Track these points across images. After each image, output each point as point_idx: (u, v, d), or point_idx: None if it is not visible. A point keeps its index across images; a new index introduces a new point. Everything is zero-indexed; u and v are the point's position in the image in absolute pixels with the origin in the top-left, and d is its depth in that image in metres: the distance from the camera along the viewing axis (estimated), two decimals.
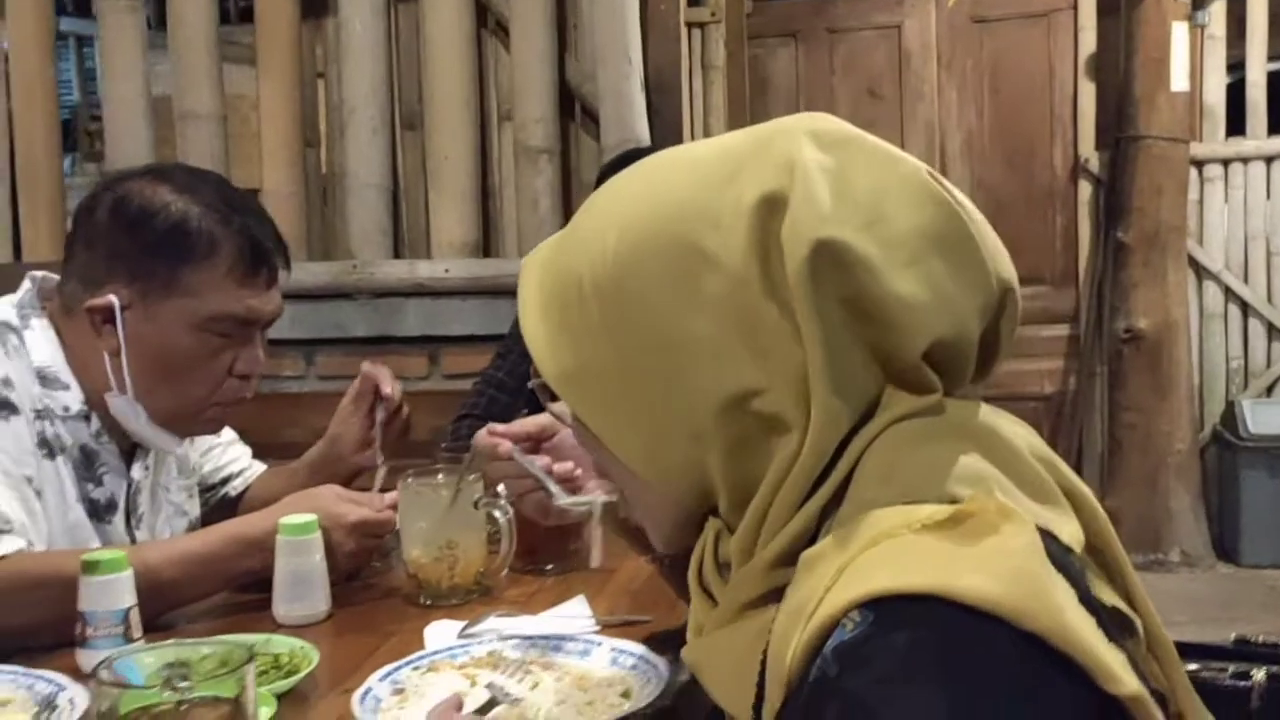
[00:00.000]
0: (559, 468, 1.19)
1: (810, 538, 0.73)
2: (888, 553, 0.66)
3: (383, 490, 1.59)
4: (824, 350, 0.71)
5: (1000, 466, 0.72)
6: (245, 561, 1.38)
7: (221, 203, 1.46)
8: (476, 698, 0.98)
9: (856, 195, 0.74)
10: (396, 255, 2.99)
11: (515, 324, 2.12)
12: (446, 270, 2.82)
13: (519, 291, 0.83)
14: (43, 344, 1.46)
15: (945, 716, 0.60)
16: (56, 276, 1.53)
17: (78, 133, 5.53)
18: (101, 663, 0.80)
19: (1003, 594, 0.62)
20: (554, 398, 0.85)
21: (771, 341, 0.73)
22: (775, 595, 0.73)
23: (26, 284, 1.51)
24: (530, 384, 0.86)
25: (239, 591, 1.49)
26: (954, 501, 0.68)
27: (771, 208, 0.73)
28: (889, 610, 0.64)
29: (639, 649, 1.09)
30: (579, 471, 1.18)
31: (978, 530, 0.66)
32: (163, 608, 1.32)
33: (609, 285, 0.77)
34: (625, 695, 1.01)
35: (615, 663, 1.08)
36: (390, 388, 1.64)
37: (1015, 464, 0.73)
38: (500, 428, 1.20)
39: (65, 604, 1.26)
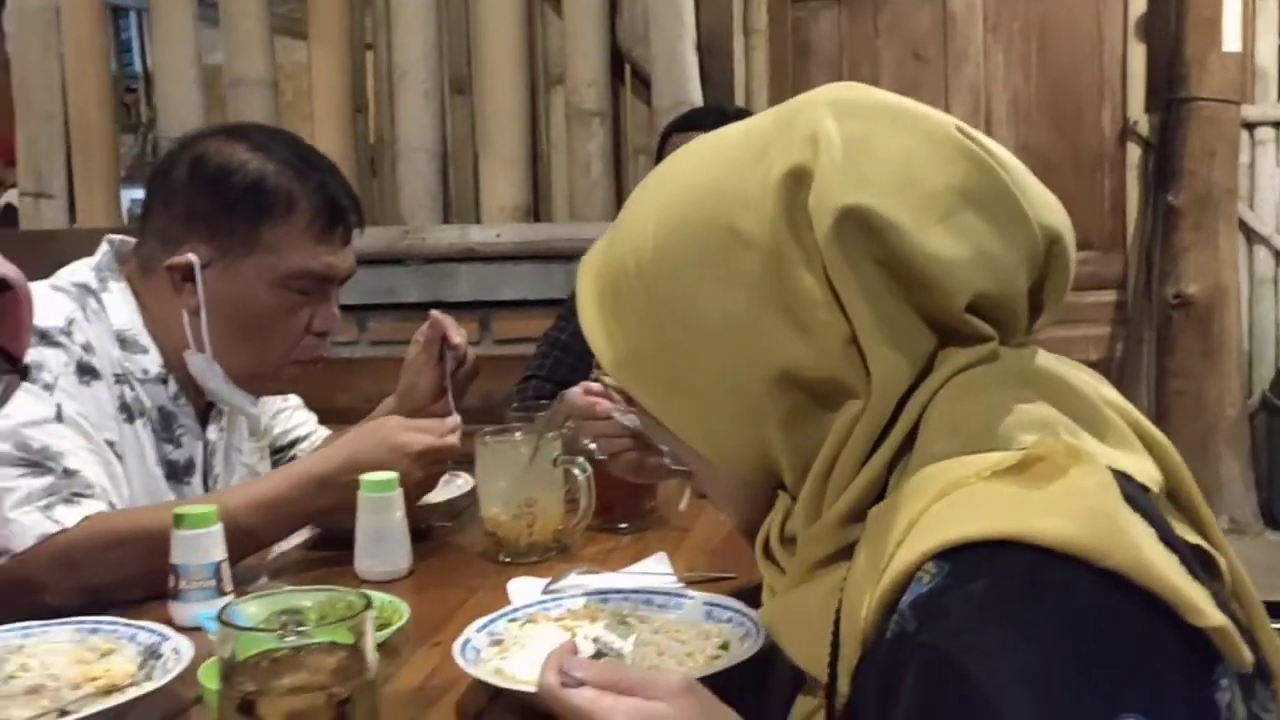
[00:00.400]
0: None
1: (878, 494, 0.73)
2: (959, 502, 0.66)
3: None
4: (870, 310, 0.72)
5: (1067, 412, 0.72)
6: (317, 500, 1.38)
7: (298, 159, 1.46)
8: (581, 651, 0.98)
9: (881, 160, 0.75)
10: (446, 221, 2.98)
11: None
12: (498, 235, 2.81)
13: (577, 294, 0.87)
14: (121, 307, 1.47)
15: (1033, 660, 0.60)
16: (133, 239, 1.54)
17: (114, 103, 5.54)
18: (223, 609, 0.81)
19: (1078, 533, 0.62)
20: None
21: (811, 313, 0.74)
22: (845, 553, 0.73)
23: (104, 247, 1.52)
24: (593, 374, 0.88)
25: (320, 547, 1.50)
26: (1021, 448, 0.67)
27: (798, 180, 0.75)
28: (965, 559, 0.63)
29: (733, 603, 1.08)
30: None
31: (1048, 473, 0.66)
32: (241, 554, 1.32)
33: (651, 271, 0.79)
34: (723, 648, 1.01)
35: (710, 616, 1.08)
36: (458, 337, 1.63)
37: (1083, 409, 0.73)
38: (598, 386, 1.19)
39: (150, 559, 1.27)
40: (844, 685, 0.70)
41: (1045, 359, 0.78)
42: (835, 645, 0.71)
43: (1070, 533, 0.62)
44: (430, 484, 1.47)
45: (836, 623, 0.71)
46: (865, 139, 0.75)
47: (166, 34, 2.90)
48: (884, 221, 0.72)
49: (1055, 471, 0.66)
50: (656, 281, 0.79)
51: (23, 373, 1.01)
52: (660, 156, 2.02)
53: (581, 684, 0.76)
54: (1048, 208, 0.78)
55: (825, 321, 0.74)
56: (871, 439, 0.73)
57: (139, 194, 3.66)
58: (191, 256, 1.43)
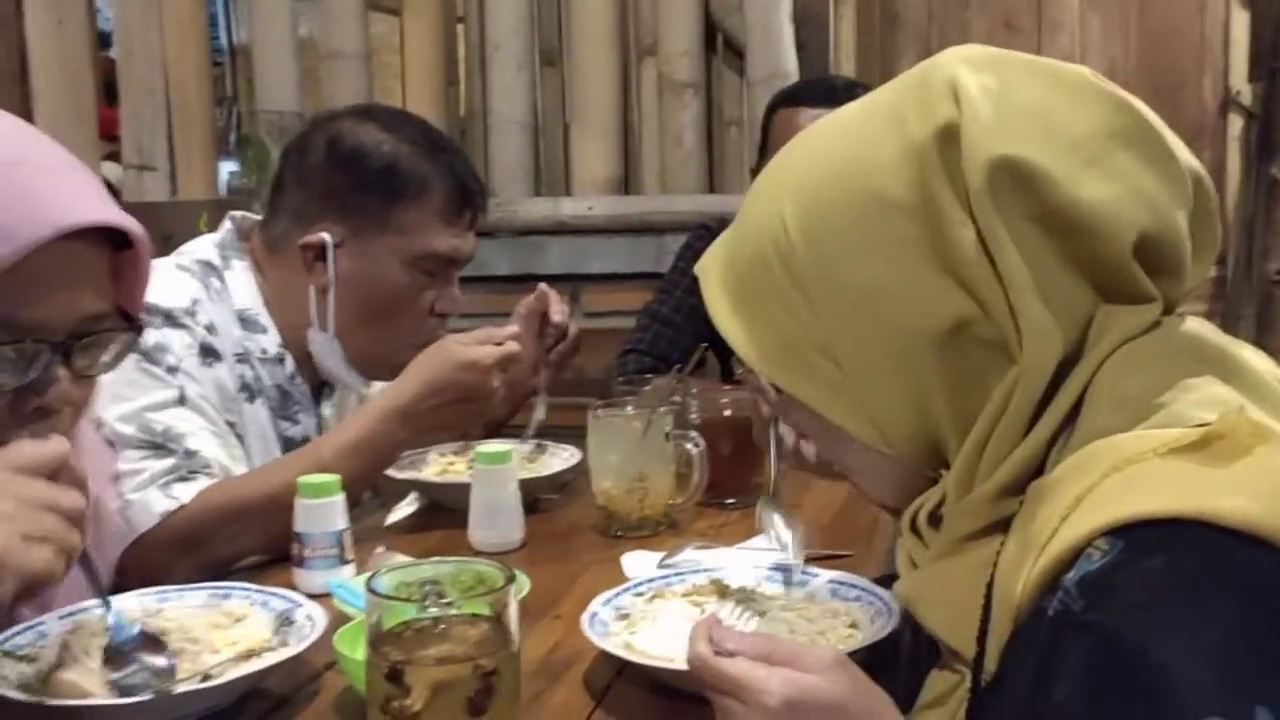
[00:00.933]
0: None
1: (1038, 468, 0.72)
2: (1135, 478, 0.64)
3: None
4: (1023, 268, 0.70)
5: (1243, 390, 0.70)
6: (400, 434, 1.39)
7: (427, 141, 1.48)
8: None
9: (1024, 109, 0.73)
10: (536, 193, 2.98)
11: (678, 259, 2.10)
12: (589, 208, 2.81)
13: (706, 299, 0.84)
14: (243, 286, 1.49)
15: (1214, 639, 0.58)
16: (255, 216, 1.56)
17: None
18: (371, 576, 0.81)
19: (1265, 513, 0.60)
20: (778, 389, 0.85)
21: (972, 271, 0.72)
22: (998, 527, 0.72)
23: (227, 224, 1.54)
24: (737, 374, 0.88)
25: (431, 516, 1.52)
26: (1199, 425, 0.65)
27: (945, 137, 0.73)
28: (1141, 536, 0.62)
29: (859, 580, 1.07)
30: None
31: (1231, 451, 0.64)
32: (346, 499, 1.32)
33: (796, 256, 0.78)
34: (853, 627, 1.00)
35: (836, 594, 1.07)
36: (559, 314, 1.64)
37: (1259, 387, 0.71)
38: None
39: (266, 525, 1.30)
40: (992, 663, 0.69)
41: (1211, 332, 0.76)
42: (985, 621, 0.70)
43: (1255, 513, 0.60)
44: (515, 399, 1.46)
45: (988, 598, 0.70)
46: (1004, 91, 0.74)
47: (263, 7, 2.92)
48: (1036, 171, 0.71)
49: (1239, 450, 0.64)
50: (805, 264, 0.77)
51: (138, 330, 1.02)
52: (766, 131, 1.99)
53: (734, 655, 0.76)
54: (1184, 148, 0.77)
55: (984, 279, 0.72)
56: (1031, 406, 0.72)
57: (232, 167, 3.72)
58: (325, 236, 1.44)
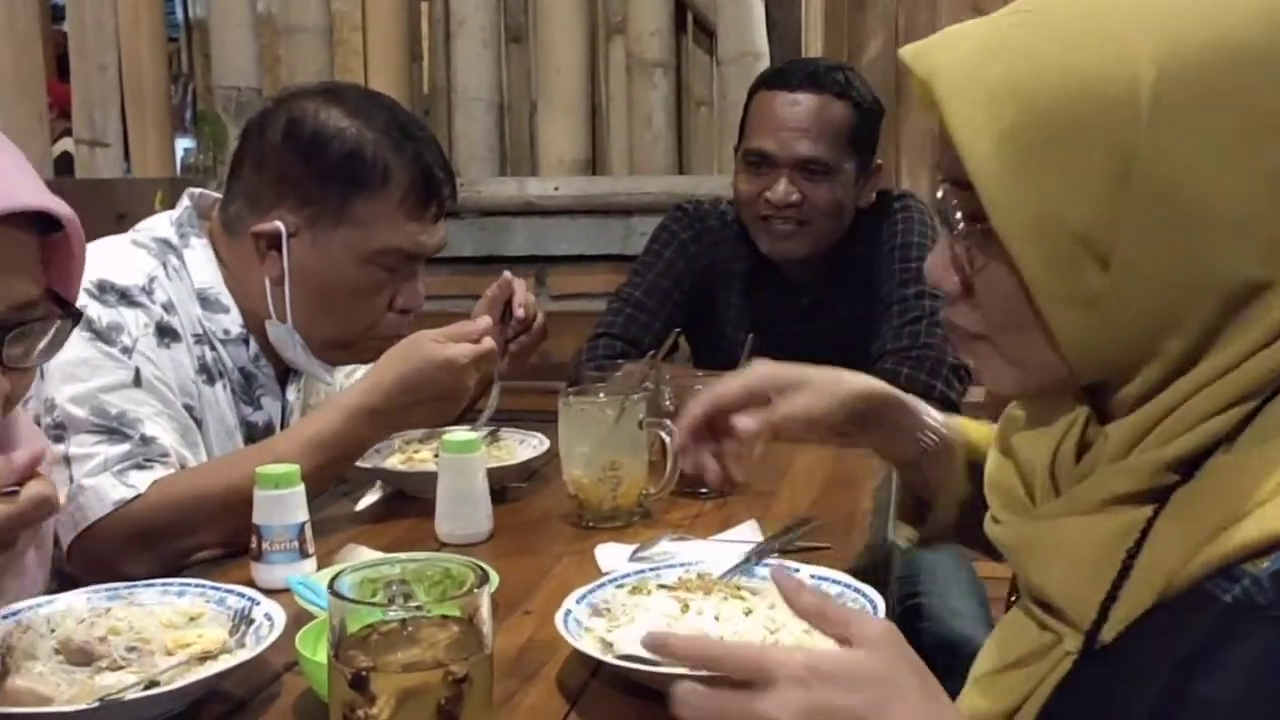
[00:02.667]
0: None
1: (1215, 443, 0.67)
2: None
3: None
4: None
5: None
6: (370, 433, 1.34)
7: (395, 129, 1.40)
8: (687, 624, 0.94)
9: None
10: (502, 173, 2.93)
11: (652, 241, 2.05)
12: (555, 188, 2.76)
13: (943, 102, 0.68)
14: (203, 264, 1.42)
15: None
16: (215, 194, 1.49)
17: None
18: (334, 576, 0.77)
19: None
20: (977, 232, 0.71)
21: None
22: (1154, 496, 0.67)
23: (185, 201, 1.48)
24: (950, 214, 0.73)
25: (396, 506, 1.47)
26: None
27: None
28: None
29: (841, 576, 1.04)
30: None
31: None
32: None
33: (1137, 134, 0.64)
34: None
35: (818, 589, 1.03)
36: (521, 309, 1.59)
37: None
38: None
39: (223, 517, 1.25)
40: (1111, 632, 0.67)
41: None
42: (1115, 588, 0.66)
43: None
44: (481, 387, 1.43)
45: (1125, 566, 0.66)
46: None
47: None
48: None
49: None
50: (1144, 148, 0.64)
51: (75, 317, 0.97)
52: (746, 112, 1.95)
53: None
54: None
55: None
56: (1243, 392, 0.65)
57: (188, 143, 3.62)
58: (279, 224, 1.38)
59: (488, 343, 1.36)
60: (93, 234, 1.46)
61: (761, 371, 1.10)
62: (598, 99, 2.89)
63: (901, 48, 0.72)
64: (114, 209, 2.31)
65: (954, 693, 0.72)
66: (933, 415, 1.12)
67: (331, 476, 1.39)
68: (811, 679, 0.64)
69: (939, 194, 0.75)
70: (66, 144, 2.87)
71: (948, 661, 1.78)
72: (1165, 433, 0.68)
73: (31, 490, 0.84)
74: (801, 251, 1.93)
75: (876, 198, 1.99)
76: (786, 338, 1.96)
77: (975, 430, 1.13)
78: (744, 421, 1.06)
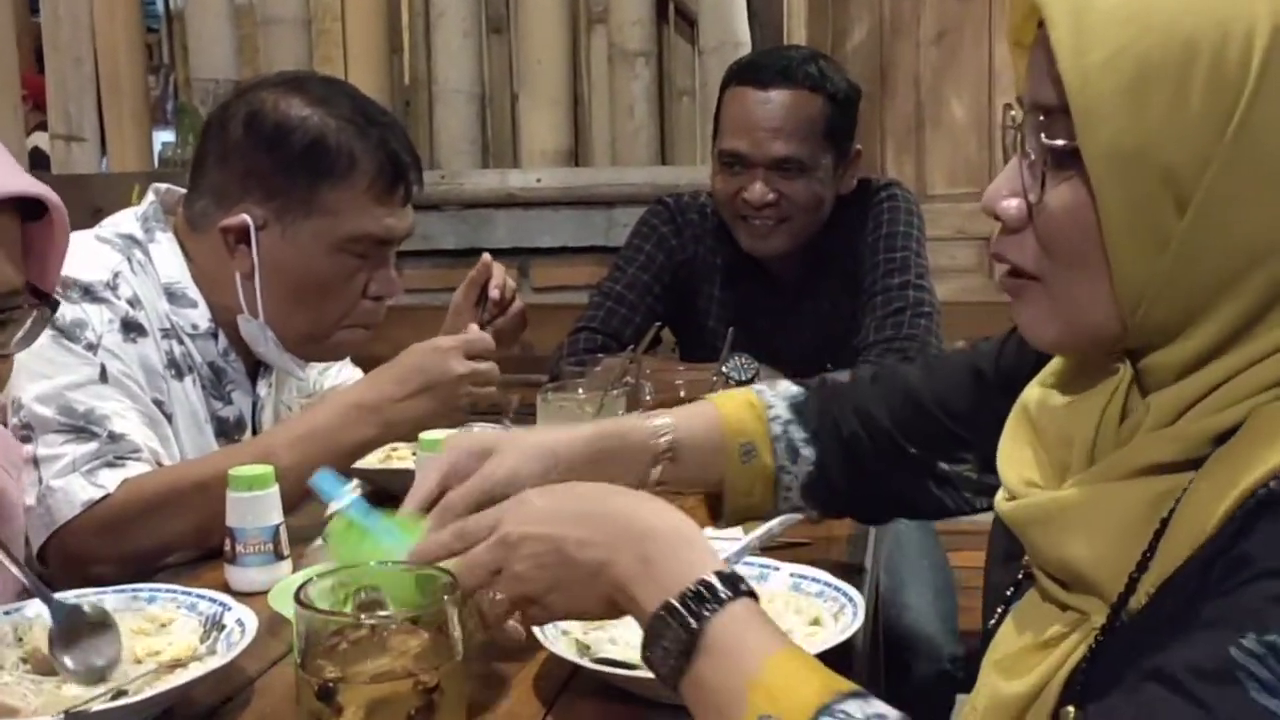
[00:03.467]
0: None
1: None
2: None
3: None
4: None
5: None
6: (362, 430, 1.32)
7: (358, 115, 1.38)
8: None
9: None
10: (484, 165, 2.91)
11: (633, 235, 2.04)
12: (537, 180, 2.74)
13: (1055, 23, 0.67)
14: (169, 259, 1.40)
15: None
16: (180, 189, 1.47)
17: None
18: (301, 585, 0.75)
19: None
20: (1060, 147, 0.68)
21: None
22: (1193, 465, 0.66)
23: (150, 196, 1.46)
24: (1031, 139, 0.71)
25: (377, 505, 1.45)
26: None
27: None
28: None
29: (822, 574, 1.03)
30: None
31: None
32: (288, 493, 1.22)
33: (1248, 80, 0.63)
34: (815, 623, 0.96)
35: (797, 588, 1.02)
36: (495, 290, 1.57)
37: None
38: None
39: (194, 516, 1.24)
40: (1140, 600, 0.66)
41: None
42: (1147, 557, 0.66)
43: None
44: (483, 400, 1.40)
45: (1157, 535, 0.65)
46: None
47: None
48: None
49: None
50: (1248, 99, 0.63)
51: (53, 307, 0.95)
52: (719, 107, 1.93)
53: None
54: None
55: None
56: None
57: (168, 136, 3.60)
58: (246, 218, 1.36)
59: (474, 330, 1.36)
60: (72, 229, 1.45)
61: (461, 443, 1.02)
62: (579, 89, 2.87)
63: None
64: (90, 204, 2.28)
65: (891, 692, 0.71)
66: (661, 417, 1.08)
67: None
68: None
69: (1012, 117, 0.73)
70: (39, 139, 2.84)
71: (891, 655, 1.78)
72: (1213, 404, 0.66)
73: None
74: (782, 248, 1.91)
75: (858, 185, 1.98)
76: (768, 330, 1.95)
77: (735, 410, 1.10)
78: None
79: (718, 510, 1.13)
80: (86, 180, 2.68)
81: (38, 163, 2.99)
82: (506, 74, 2.94)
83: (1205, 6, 0.64)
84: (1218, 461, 0.65)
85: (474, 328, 1.42)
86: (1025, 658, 0.73)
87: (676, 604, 0.72)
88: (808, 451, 1.10)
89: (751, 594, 0.73)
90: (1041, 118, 0.70)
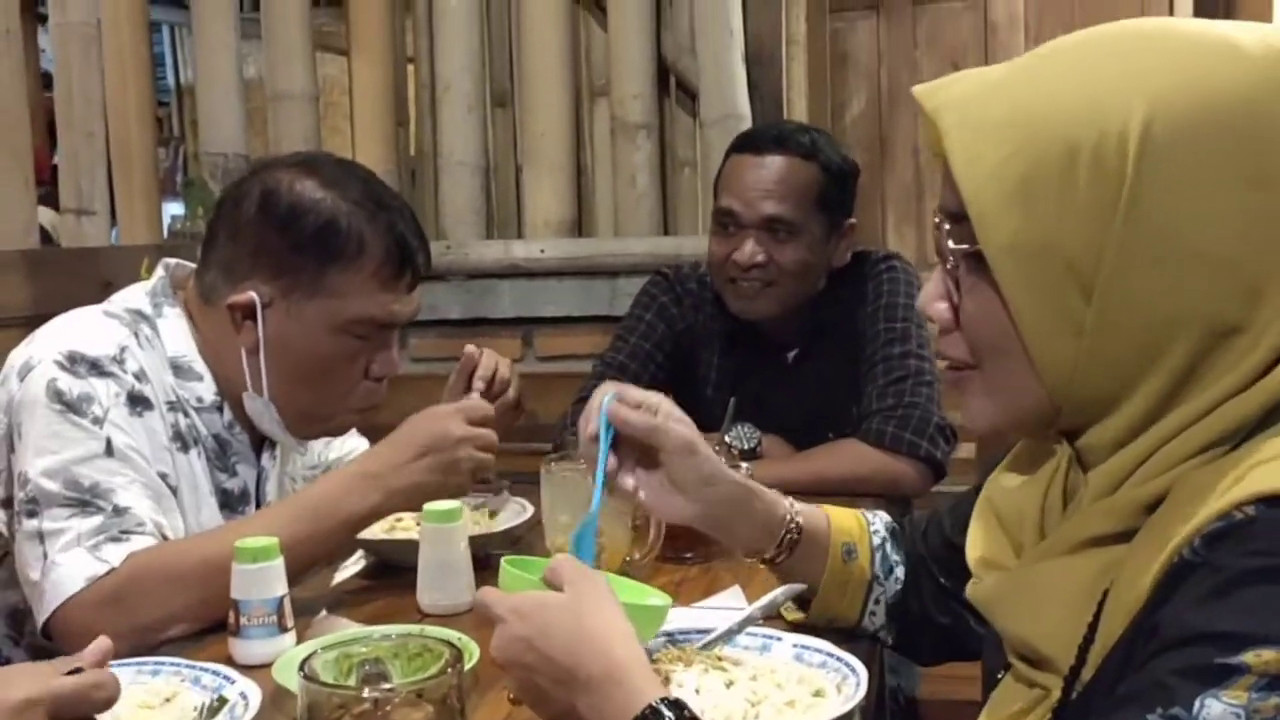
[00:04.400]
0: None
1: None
2: None
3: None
4: None
5: None
6: (366, 499, 1.32)
7: (369, 200, 1.40)
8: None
9: None
10: (488, 236, 2.94)
11: (635, 305, 2.07)
12: (541, 250, 2.77)
13: (947, 133, 0.72)
14: (176, 333, 1.43)
15: None
16: (190, 264, 1.50)
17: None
18: (305, 658, 0.76)
19: None
20: (968, 253, 0.73)
21: None
22: (1128, 536, 0.69)
23: (160, 271, 1.48)
24: (944, 244, 0.75)
25: (377, 577, 1.46)
26: None
27: None
28: None
29: (824, 645, 1.03)
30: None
31: None
32: (297, 567, 1.26)
33: (1127, 170, 0.67)
34: (818, 694, 0.96)
35: (800, 659, 1.02)
36: (480, 382, 1.57)
37: None
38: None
39: (199, 591, 1.24)
40: (1089, 672, 0.68)
41: None
42: (1093, 629, 0.68)
43: None
44: (482, 468, 1.41)
45: (1100, 606, 0.68)
46: None
47: (208, 47, 2.87)
48: None
49: None
50: (1133, 183, 0.67)
51: None
52: (719, 176, 1.98)
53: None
54: None
55: None
56: (1230, 436, 0.68)
57: (177, 209, 3.64)
58: (253, 295, 1.38)
59: (474, 396, 1.40)
60: (79, 302, 1.48)
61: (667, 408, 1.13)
62: (582, 161, 2.92)
63: (914, 87, 0.78)
64: (100, 276, 2.31)
65: None
66: (792, 503, 1.16)
67: (328, 548, 1.36)
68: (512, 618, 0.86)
69: (934, 222, 0.77)
70: (41, 216, 2.87)
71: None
72: (1142, 475, 0.70)
73: (93, 674, 0.83)
74: (769, 311, 1.93)
75: (856, 258, 2.01)
76: (769, 398, 1.97)
77: (841, 516, 1.18)
78: (624, 411, 1.10)
79: (801, 606, 1.17)
80: (96, 253, 2.71)
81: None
82: (511, 146, 2.99)
83: (1083, 109, 0.69)
84: (1147, 530, 0.67)
85: (474, 394, 1.43)
86: None
87: None
88: (899, 571, 1.16)
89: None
90: (948, 225, 0.74)
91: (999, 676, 0.81)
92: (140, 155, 2.87)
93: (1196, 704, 0.58)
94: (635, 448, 1.10)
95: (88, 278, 2.39)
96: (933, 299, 0.78)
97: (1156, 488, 0.68)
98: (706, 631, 1.07)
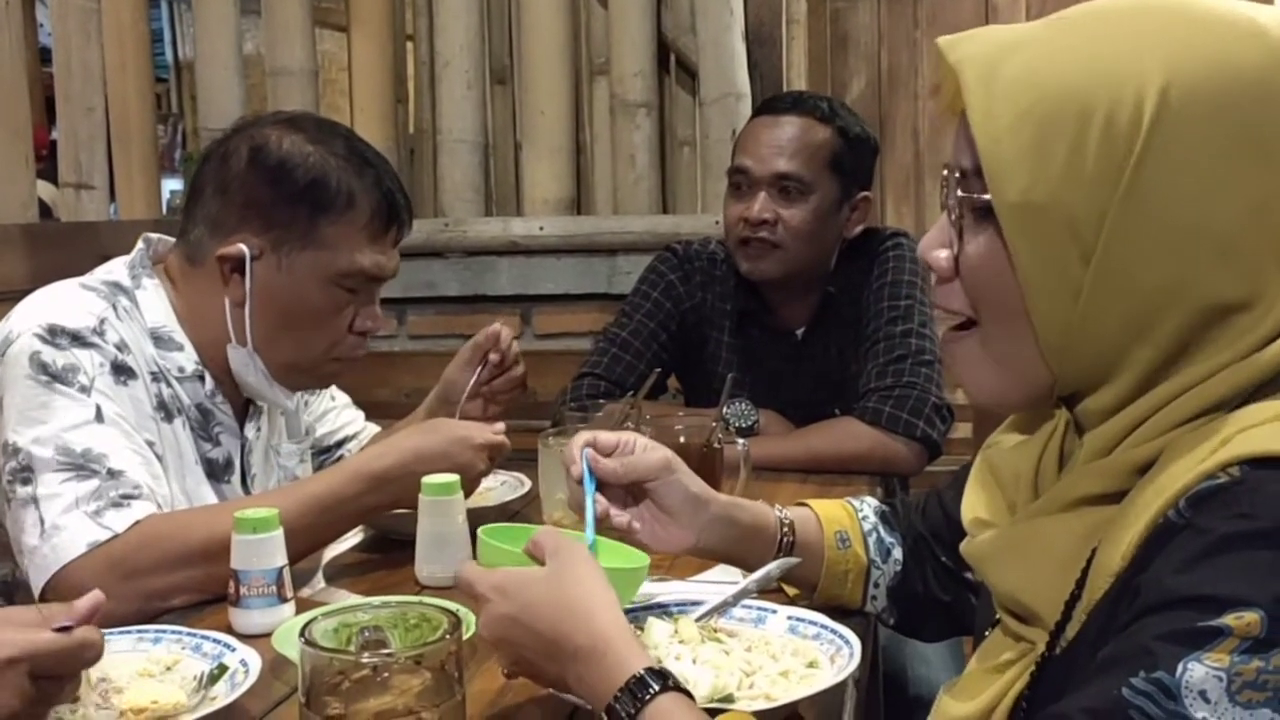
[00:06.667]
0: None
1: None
2: None
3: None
4: None
5: None
6: (371, 498, 1.34)
7: (355, 155, 1.43)
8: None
9: None
10: (487, 213, 2.95)
11: (640, 282, 2.06)
12: (540, 228, 2.77)
13: (967, 86, 0.72)
14: (155, 304, 1.43)
15: None
16: (170, 239, 1.50)
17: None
18: (305, 623, 0.77)
19: None
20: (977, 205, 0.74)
21: None
22: (1118, 497, 0.70)
23: (140, 245, 1.49)
24: (952, 196, 0.76)
25: (375, 549, 1.47)
26: None
27: None
28: (1271, 467, 0.62)
29: (818, 617, 1.04)
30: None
31: None
32: (294, 555, 1.26)
33: (1139, 138, 0.68)
34: (812, 665, 0.97)
35: (794, 631, 1.03)
36: (495, 355, 1.61)
37: None
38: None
39: (205, 564, 1.24)
40: (1073, 629, 0.69)
41: None
42: (1079, 587, 0.69)
43: None
44: (483, 478, 1.44)
45: (1088, 565, 0.69)
46: None
47: (208, 22, 2.86)
48: None
49: None
50: (1143, 153, 0.67)
51: None
52: (737, 141, 1.99)
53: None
54: None
55: None
56: (1223, 403, 0.69)
57: (175, 184, 3.62)
58: (242, 247, 1.39)
59: (503, 437, 1.40)
60: (79, 276, 1.48)
61: (639, 438, 1.14)
62: (582, 139, 2.91)
63: (939, 38, 0.77)
64: (100, 250, 2.31)
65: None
66: (782, 510, 1.17)
67: (327, 538, 1.38)
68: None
69: (943, 175, 0.78)
70: (41, 188, 2.86)
71: (895, 697, 1.78)
72: (1136, 439, 0.71)
73: (82, 632, 0.81)
74: (775, 273, 1.93)
75: (867, 235, 2.00)
76: (775, 377, 1.97)
77: (827, 508, 1.19)
78: (604, 462, 1.10)
79: (806, 592, 1.18)
80: (96, 228, 2.71)
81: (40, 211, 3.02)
82: (510, 124, 2.98)
83: (1100, 71, 0.69)
84: (1137, 492, 0.68)
85: (499, 426, 1.43)
86: (975, 681, 0.76)
87: (614, 703, 0.79)
88: (897, 553, 1.17)
89: (679, 688, 0.79)
90: (959, 176, 0.75)
91: (985, 634, 0.82)
92: (139, 131, 2.87)
93: (1180, 667, 0.59)
94: (620, 485, 1.11)
95: (87, 252, 2.38)
96: (933, 246, 0.79)
97: (1149, 450, 0.69)
98: (702, 604, 1.09)
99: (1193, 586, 0.61)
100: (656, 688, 0.77)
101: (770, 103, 2.00)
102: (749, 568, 1.15)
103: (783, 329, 2.01)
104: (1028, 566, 0.73)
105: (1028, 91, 0.71)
